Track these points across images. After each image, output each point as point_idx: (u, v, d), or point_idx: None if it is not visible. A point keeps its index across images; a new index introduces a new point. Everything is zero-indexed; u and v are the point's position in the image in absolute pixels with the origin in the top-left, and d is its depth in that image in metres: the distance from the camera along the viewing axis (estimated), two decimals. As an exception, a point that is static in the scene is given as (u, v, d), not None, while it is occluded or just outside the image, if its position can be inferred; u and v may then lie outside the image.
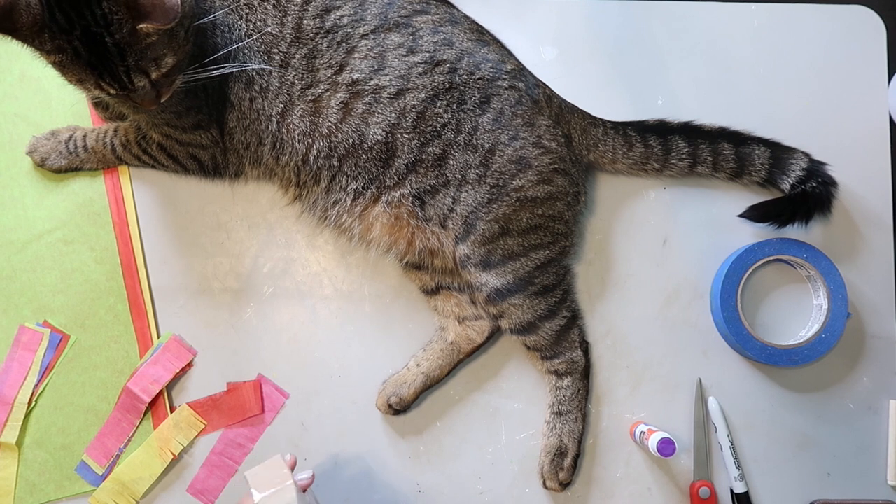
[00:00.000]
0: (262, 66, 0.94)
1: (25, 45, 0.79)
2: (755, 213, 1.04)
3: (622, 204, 1.08)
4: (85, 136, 1.04)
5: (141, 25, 0.78)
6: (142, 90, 0.84)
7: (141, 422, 1.01)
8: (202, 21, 0.89)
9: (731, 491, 1.02)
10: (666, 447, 0.94)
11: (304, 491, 0.87)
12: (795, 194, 1.03)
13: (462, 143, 0.95)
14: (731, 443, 1.02)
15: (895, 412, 1.04)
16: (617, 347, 1.05)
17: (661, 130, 1.04)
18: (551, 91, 1.03)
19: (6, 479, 1.00)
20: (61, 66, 0.81)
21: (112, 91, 0.83)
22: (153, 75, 0.83)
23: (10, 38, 0.78)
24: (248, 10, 0.94)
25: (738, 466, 1.02)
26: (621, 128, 1.04)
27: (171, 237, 1.06)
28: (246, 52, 0.94)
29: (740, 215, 1.05)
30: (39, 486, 1.01)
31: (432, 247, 0.99)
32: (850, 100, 1.09)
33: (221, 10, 0.92)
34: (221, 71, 0.90)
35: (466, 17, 1.01)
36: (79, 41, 0.78)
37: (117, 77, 0.81)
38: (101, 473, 1.01)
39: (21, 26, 0.76)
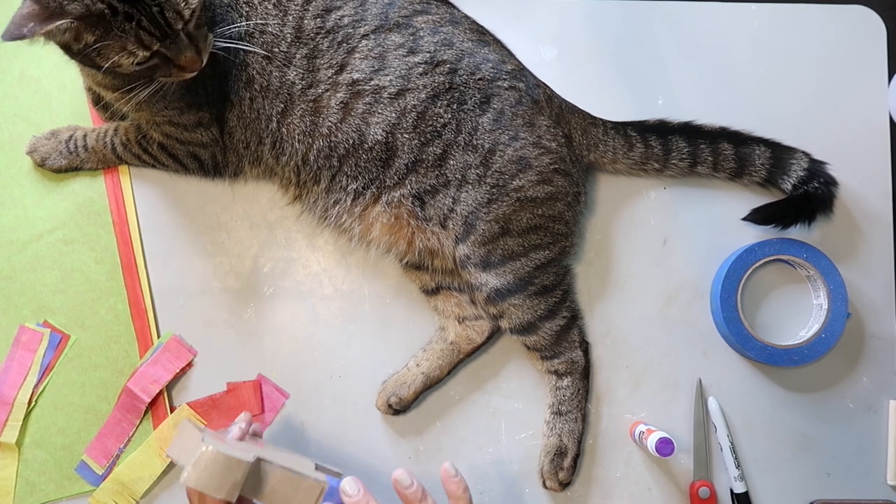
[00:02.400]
0: (265, 52, 0.94)
1: (76, 35, 0.79)
2: (758, 216, 1.04)
3: (622, 204, 1.08)
4: (85, 136, 1.04)
5: None
6: (182, 43, 0.83)
7: (141, 422, 1.01)
8: None
9: (731, 491, 1.02)
10: (664, 447, 0.94)
11: (242, 439, 0.84)
12: (798, 195, 1.03)
13: (462, 144, 0.95)
14: (731, 443, 1.02)
15: (895, 412, 1.04)
16: (617, 347, 1.05)
17: (661, 130, 1.04)
18: (551, 91, 1.03)
19: (6, 479, 1.00)
20: (102, 40, 0.80)
21: (156, 45, 0.82)
22: (185, 13, 0.82)
23: (63, 25, 0.78)
24: (248, 9, 0.94)
25: (738, 466, 1.02)
26: (621, 128, 1.04)
27: (171, 237, 1.06)
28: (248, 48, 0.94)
29: (744, 218, 1.04)
30: (39, 486, 1.01)
31: (432, 247, 0.99)
32: (850, 100, 1.09)
33: None
34: (238, 44, 0.90)
35: (467, 17, 1.01)
36: None
37: (155, 21, 0.80)
38: (101, 473, 1.01)
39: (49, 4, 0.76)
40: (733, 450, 1.02)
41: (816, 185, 1.02)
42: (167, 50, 0.83)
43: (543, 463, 1.01)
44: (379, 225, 0.99)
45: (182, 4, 0.82)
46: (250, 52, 0.94)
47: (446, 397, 1.05)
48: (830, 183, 1.03)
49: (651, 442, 0.95)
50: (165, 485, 1.01)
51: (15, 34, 0.77)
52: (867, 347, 1.06)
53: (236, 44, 0.91)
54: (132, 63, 0.83)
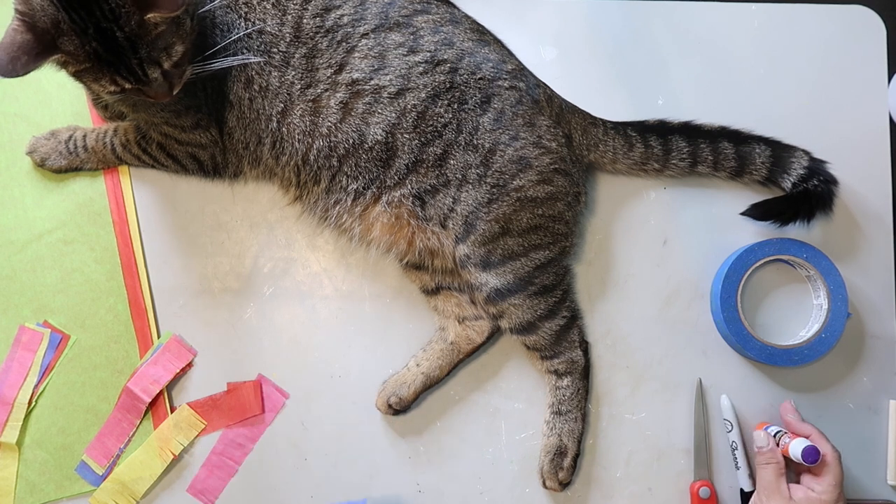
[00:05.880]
0: (262, 58, 0.94)
1: (61, 62, 0.81)
2: (757, 212, 1.04)
3: (622, 204, 1.08)
4: (85, 136, 1.04)
5: (149, 16, 0.78)
6: (155, 83, 0.84)
7: (141, 422, 1.01)
8: (204, 10, 0.89)
9: (742, 490, 1.02)
10: (810, 454, 0.91)
11: None
12: (797, 193, 1.03)
13: (463, 143, 0.95)
14: (743, 441, 1.02)
15: (895, 412, 1.04)
16: (617, 347, 1.05)
17: (661, 130, 1.04)
18: (552, 91, 1.03)
19: (6, 479, 1.00)
20: (83, 73, 0.82)
21: (128, 86, 0.83)
22: (165, 65, 0.83)
23: (48, 58, 0.79)
24: (247, 9, 0.94)
25: (749, 464, 1.01)
26: (621, 128, 1.04)
27: (171, 237, 1.06)
28: (245, 49, 0.94)
29: (742, 213, 1.05)
30: (39, 486, 1.01)
31: (432, 247, 0.99)
32: (850, 100, 1.09)
33: None
34: (228, 62, 0.90)
35: (467, 16, 1.01)
36: (95, 41, 0.79)
37: (132, 71, 0.82)
38: (101, 473, 1.01)
39: (45, 35, 0.77)
40: (745, 448, 1.02)
41: (816, 182, 1.02)
42: (140, 84, 0.84)
43: (543, 463, 1.01)
44: (379, 225, 0.99)
45: (163, 57, 0.83)
46: (250, 52, 0.94)
47: (446, 397, 1.05)
48: (830, 181, 1.03)
49: (796, 449, 0.93)
50: (165, 485, 1.01)
51: (8, 71, 0.76)
52: (867, 347, 1.06)
53: (233, 61, 0.91)
54: (103, 92, 0.85)
